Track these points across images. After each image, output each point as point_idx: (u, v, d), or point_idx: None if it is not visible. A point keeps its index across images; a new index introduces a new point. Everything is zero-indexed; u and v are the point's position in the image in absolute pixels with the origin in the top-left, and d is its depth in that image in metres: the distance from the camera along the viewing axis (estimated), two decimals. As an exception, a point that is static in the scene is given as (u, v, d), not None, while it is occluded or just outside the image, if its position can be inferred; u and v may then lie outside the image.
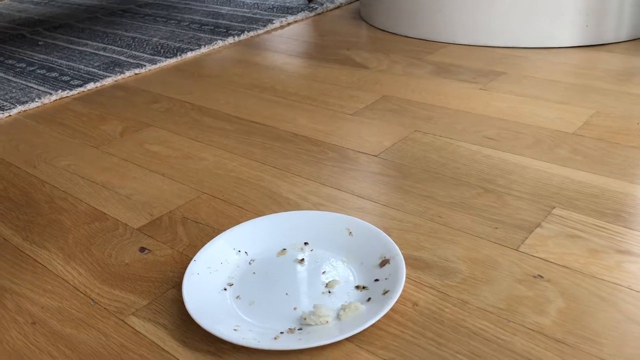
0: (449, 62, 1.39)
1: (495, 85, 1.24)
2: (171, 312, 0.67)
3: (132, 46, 1.72)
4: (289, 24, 1.85)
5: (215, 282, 0.70)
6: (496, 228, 0.78)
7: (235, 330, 0.62)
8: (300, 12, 1.91)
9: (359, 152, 1.01)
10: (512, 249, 0.74)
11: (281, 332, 0.61)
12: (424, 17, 1.56)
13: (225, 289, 0.69)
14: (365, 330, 0.61)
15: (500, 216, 0.80)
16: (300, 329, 0.62)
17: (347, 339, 0.61)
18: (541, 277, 0.68)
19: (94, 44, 1.79)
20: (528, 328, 0.61)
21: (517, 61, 1.37)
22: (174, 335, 0.64)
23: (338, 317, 0.63)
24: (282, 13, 1.93)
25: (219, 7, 2.11)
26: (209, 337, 0.63)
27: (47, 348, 0.64)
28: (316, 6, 1.96)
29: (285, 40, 1.71)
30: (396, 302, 0.64)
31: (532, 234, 0.76)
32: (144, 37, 1.81)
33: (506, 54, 1.42)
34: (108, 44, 1.77)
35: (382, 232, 0.73)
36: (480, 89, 1.23)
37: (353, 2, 2.02)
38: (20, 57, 1.72)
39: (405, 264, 0.69)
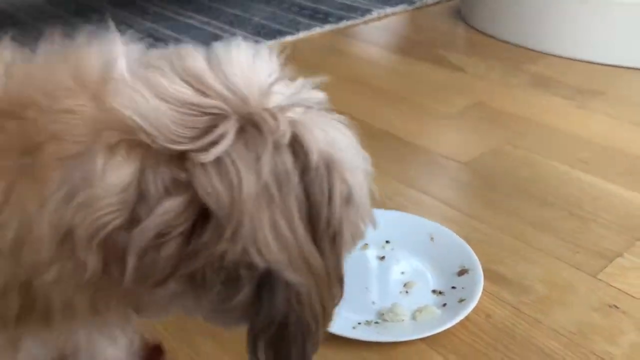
0: (548, 75, 1.37)
1: (593, 105, 1.22)
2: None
3: (235, 24, 1.80)
4: (386, 15, 1.86)
5: (302, 267, 0.75)
6: (577, 253, 0.79)
7: (317, 314, 0.67)
8: (399, 4, 1.92)
9: (448, 158, 1.03)
10: (591, 275, 0.75)
11: (359, 323, 0.66)
12: (527, 24, 1.54)
13: (310, 274, 0.74)
14: (438, 333, 0.65)
15: (582, 241, 0.81)
16: (377, 322, 0.67)
17: (420, 339, 0.65)
18: (617, 307, 0.70)
19: (199, 17, 1.88)
20: (598, 356, 0.63)
21: (619, 82, 1.34)
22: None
23: (414, 317, 0.67)
24: (381, 3, 1.95)
25: (320, -9, 2.15)
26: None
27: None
28: (415, 0, 1.96)
29: (382, 32, 1.73)
30: (470, 311, 0.67)
31: (613, 263, 0.77)
32: (246, 15, 1.88)
33: (609, 72, 1.39)
34: (212, 18, 1.86)
35: (464, 242, 0.76)
36: (577, 107, 1.21)
37: (454, -1, 2.01)
38: (130, 23, 1.83)
39: (484, 276, 0.72)
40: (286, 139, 0.36)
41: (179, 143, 0.34)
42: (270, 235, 0.35)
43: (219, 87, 0.36)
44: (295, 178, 0.36)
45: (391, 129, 1.13)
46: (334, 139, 0.39)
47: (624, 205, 0.88)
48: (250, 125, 0.35)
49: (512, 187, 0.94)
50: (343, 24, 1.77)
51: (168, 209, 0.34)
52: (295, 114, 0.38)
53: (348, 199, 0.38)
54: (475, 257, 0.73)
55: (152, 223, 0.33)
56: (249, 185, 0.34)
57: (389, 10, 1.88)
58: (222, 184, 0.34)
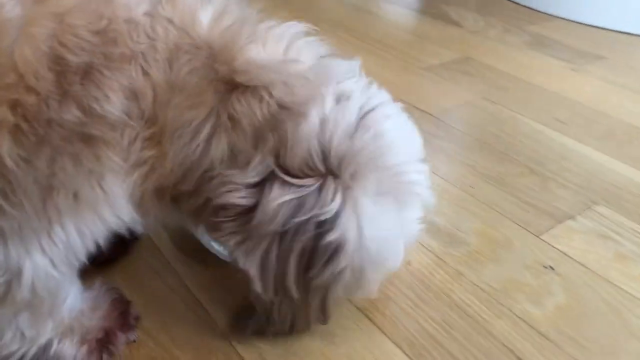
0: (548, 36, 1.29)
1: (590, 69, 1.14)
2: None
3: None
4: (399, -30, 1.78)
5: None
6: (527, 211, 0.73)
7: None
8: (415, -41, 1.84)
9: (415, 107, 0.97)
10: (534, 234, 0.69)
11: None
12: (539, -16, 1.45)
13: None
14: (348, 275, 0.61)
15: (536, 200, 0.75)
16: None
17: (328, 279, 0.61)
18: (552, 268, 0.64)
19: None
20: (515, 314, 0.58)
21: (623, 47, 1.25)
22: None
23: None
24: (396, -42, 1.86)
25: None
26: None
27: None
28: (433, -44, 1.87)
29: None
30: (390, 257, 0.63)
31: (562, 224, 0.71)
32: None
33: (614, 38, 1.29)
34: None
35: (401, 187, 0.71)
36: (572, 69, 1.14)
37: (473, -42, 1.91)
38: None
39: (415, 223, 0.67)
40: (330, 214, 0.42)
41: None
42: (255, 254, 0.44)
43: None
44: (310, 235, 0.43)
45: (367, 75, 1.07)
46: (370, 235, 0.44)
47: (590, 168, 0.82)
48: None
49: (474, 141, 0.88)
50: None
51: None
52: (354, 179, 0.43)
53: (343, 276, 0.45)
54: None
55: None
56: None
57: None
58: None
